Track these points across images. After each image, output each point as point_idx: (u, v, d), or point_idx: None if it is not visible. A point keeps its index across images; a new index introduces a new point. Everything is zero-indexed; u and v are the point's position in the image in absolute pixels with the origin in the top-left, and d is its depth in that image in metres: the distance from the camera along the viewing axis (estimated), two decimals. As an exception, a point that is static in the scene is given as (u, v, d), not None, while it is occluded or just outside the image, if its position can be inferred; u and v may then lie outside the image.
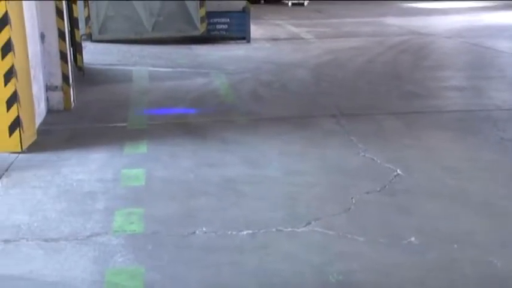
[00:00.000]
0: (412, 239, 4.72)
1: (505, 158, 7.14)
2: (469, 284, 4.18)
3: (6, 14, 6.48)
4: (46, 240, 4.72)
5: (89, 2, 14.82)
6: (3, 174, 6.31)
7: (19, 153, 6.88)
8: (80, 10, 12.78)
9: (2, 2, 6.47)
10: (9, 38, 6.61)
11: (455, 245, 4.66)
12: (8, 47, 6.60)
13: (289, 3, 26.65)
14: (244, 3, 16.06)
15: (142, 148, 7.35)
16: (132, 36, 15.08)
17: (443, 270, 4.33)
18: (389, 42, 15.79)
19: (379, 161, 6.79)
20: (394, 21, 21.17)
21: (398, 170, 6.41)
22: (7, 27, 6.53)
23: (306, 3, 26.85)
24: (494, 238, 4.86)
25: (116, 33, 15.06)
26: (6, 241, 4.72)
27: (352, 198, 5.68)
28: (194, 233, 4.89)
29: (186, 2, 15.13)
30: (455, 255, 4.52)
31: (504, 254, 4.54)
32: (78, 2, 12.18)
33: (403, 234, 4.80)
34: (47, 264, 4.35)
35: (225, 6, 15.64)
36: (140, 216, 5.22)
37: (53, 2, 8.88)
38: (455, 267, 4.36)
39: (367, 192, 5.80)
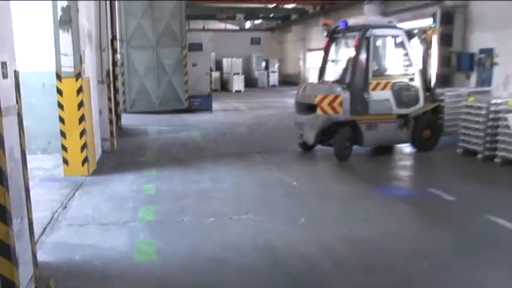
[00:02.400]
0: (302, 220, 5.54)
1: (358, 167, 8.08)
2: (330, 241, 4.91)
3: (82, 101, 7.30)
4: (101, 225, 5.44)
5: (125, 90, 15.71)
6: (79, 187, 6.92)
7: (87, 176, 7.50)
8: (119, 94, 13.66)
9: (80, 95, 7.25)
10: (83, 113, 7.39)
11: (327, 223, 5.46)
12: (82, 118, 7.36)
13: (233, 90, 28.17)
14: (208, 90, 17.18)
15: (154, 172, 7.99)
16: (148, 110, 15.75)
17: (318, 237, 5.08)
18: (288, 112, 15.24)
19: (285, 178, 7.52)
20: (292, 101, 20.51)
21: (294, 182, 7.22)
22: (82, 107, 7.34)
23: (242, 90, 28.27)
24: (347, 218, 5.63)
25: (139, 108, 15.75)
26: (80, 225, 5.46)
27: (271, 198, 6.48)
28: (183, 220, 5.57)
29: (178, 90, 16.18)
30: (325, 228, 5.29)
31: (350, 226, 5.32)
32: (120, 90, 13.06)
33: (298, 217, 5.59)
34: (103, 238, 5.06)
35: (198, 91, 16.69)
36: (153, 211, 5.89)
37: (106, 92, 9.60)
38: (325, 235, 5.12)
39: (279, 196, 6.59)
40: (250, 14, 35.22)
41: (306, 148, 9.26)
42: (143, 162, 8.80)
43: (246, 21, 41.28)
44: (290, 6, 33.67)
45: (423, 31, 9.40)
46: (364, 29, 8.65)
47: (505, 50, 16.74)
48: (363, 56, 8.64)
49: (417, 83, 9.12)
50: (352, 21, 9.13)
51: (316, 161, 9.10)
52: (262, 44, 38.78)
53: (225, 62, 31.44)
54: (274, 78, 33.55)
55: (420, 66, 9.21)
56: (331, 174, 8.12)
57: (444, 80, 18.57)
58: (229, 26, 41.95)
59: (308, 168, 8.67)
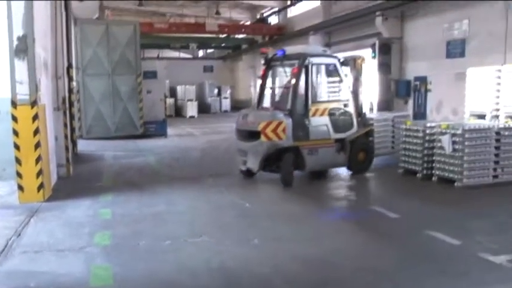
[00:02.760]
0: (255, 240, 5.52)
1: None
2: (282, 260, 4.89)
3: (37, 128, 7.09)
4: (57, 251, 5.22)
5: (81, 117, 15.30)
6: (34, 214, 6.62)
7: (42, 202, 7.19)
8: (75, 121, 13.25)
9: (36, 122, 7.05)
10: (39, 140, 7.14)
11: (279, 243, 5.45)
12: (37, 145, 7.12)
13: (187, 116, 28.22)
14: (163, 116, 17.11)
15: (110, 197, 7.77)
16: (104, 136, 15.42)
17: (271, 255, 5.09)
18: None
19: (237, 200, 7.49)
20: None
21: (247, 204, 7.20)
22: (38, 134, 7.12)
23: (196, 115, 28.42)
24: (298, 237, 5.64)
25: (95, 134, 15.42)
26: (35, 252, 5.20)
27: (223, 220, 6.42)
28: (139, 244, 5.44)
29: (133, 116, 15.98)
30: (277, 248, 5.29)
31: (301, 245, 5.32)
32: (75, 117, 12.75)
33: (251, 238, 5.57)
34: (59, 264, 4.86)
35: (153, 117, 16.59)
36: (109, 235, 5.72)
37: (62, 118, 9.39)
38: (277, 254, 5.11)
39: (232, 217, 6.55)
40: (203, 44, 35.45)
41: (248, 175, 8.99)
42: (99, 188, 8.57)
43: (199, 50, 41.46)
44: (241, 36, 34.17)
45: (354, 60, 9.54)
46: (302, 57, 8.62)
47: (437, 77, 17.54)
48: (302, 83, 8.60)
49: (351, 108, 9.19)
50: (289, 49, 9.14)
51: (265, 183, 8.99)
52: (215, 72, 39.01)
53: (179, 88, 31.39)
54: (226, 104, 33.82)
55: (353, 93, 9.30)
56: (280, 196, 8.05)
57: (385, 105, 19.25)
58: (183, 55, 42.03)
59: (259, 190, 8.68)
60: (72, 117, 11.40)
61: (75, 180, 9.23)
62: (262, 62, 9.38)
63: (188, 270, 4.71)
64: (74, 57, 14.18)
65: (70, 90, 11.44)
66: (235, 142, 9.21)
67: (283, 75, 9.57)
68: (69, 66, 11.42)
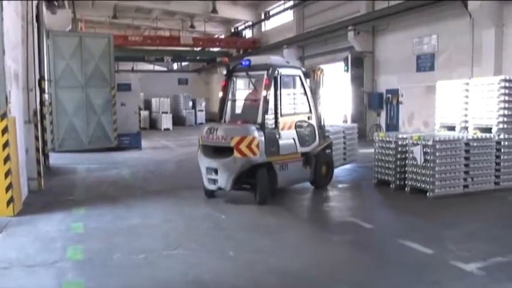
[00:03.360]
0: (231, 252, 5.48)
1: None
2: (258, 272, 4.84)
3: (7, 141, 6.93)
4: (27, 266, 5.05)
5: (53, 129, 15.03)
6: (3, 229, 6.45)
7: (12, 217, 7.02)
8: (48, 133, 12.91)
9: (5, 135, 6.89)
10: (8, 153, 6.98)
11: (255, 254, 5.39)
12: (7, 158, 6.97)
13: (162, 129, 28.13)
14: (137, 129, 17.04)
15: (82, 210, 7.64)
16: (77, 149, 15.20)
17: (247, 267, 5.04)
18: None
19: (213, 212, 7.46)
20: None
21: (223, 216, 7.16)
22: (7, 147, 6.96)
23: (171, 128, 28.35)
24: (274, 249, 5.60)
25: (68, 147, 15.15)
26: (4, 268, 5.02)
27: (199, 233, 6.34)
28: (112, 258, 5.32)
29: (107, 129, 15.80)
30: (253, 259, 5.24)
31: (277, 257, 5.31)
32: (47, 129, 12.51)
33: (227, 250, 5.53)
34: (28, 280, 4.71)
35: (128, 130, 16.43)
36: (82, 250, 5.58)
37: (33, 131, 9.21)
38: (252, 266, 5.06)
39: (208, 229, 6.49)
40: (178, 56, 35.39)
41: (211, 195, 8.39)
42: (72, 201, 8.39)
43: (173, 62, 41.35)
44: (215, 49, 34.23)
45: (313, 71, 9.28)
46: (271, 68, 8.11)
47: (408, 90, 17.88)
48: (272, 96, 8.11)
49: (314, 121, 8.91)
50: (254, 59, 8.56)
51: (240, 195, 8.74)
52: (190, 85, 38.98)
53: (154, 101, 31.23)
54: (201, 116, 33.80)
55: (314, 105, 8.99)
56: (256, 208, 7.81)
57: (359, 117, 19.52)
58: (158, 67, 41.83)
59: (234, 202, 8.52)
60: (44, 129, 11.14)
61: (47, 193, 8.99)
62: (224, 72, 8.74)
63: (163, 284, 4.62)
64: (46, 69, 13.91)
65: (42, 103, 11.21)
66: (199, 159, 8.29)
67: (247, 86, 9.13)
68: (41, 78, 11.21)
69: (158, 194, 9.09)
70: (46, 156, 11.70)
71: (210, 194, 8.38)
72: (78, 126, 15.65)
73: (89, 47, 15.70)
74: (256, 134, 7.76)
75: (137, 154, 15.68)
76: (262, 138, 7.80)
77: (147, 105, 31.63)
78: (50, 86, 14.97)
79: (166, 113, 29.54)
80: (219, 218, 7.13)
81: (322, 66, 10.53)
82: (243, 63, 8.39)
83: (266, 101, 7.98)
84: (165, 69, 42.81)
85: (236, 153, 7.67)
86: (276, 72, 8.12)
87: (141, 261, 5.25)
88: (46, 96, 13.09)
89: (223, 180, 7.86)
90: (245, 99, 8.93)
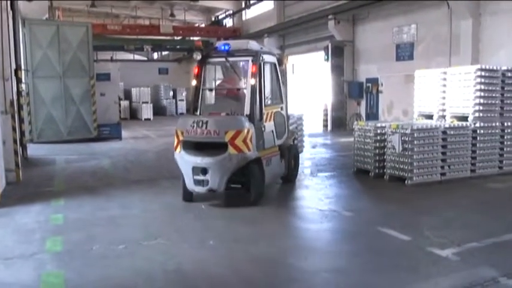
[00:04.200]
0: (211, 242, 5.48)
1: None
2: (238, 261, 4.87)
3: None
4: (5, 259, 5.00)
5: (31, 120, 14.77)
6: None
7: None
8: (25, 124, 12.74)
9: None
10: None
11: (235, 244, 5.41)
12: None
13: (143, 119, 27.82)
14: (117, 119, 16.82)
15: (62, 202, 7.58)
16: (56, 139, 14.97)
17: (227, 256, 5.08)
18: None
19: (193, 202, 7.34)
20: None
21: (202, 206, 7.09)
22: None
23: (151, 118, 28.15)
24: (254, 238, 5.60)
25: (46, 138, 14.91)
26: None
27: (179, 223, 6.34)
28: (92, 248, 5.29)
29: (86, 119, 15.59)
30: (233, 249, 5.27)
31: (257, 246, 5.31)
32: (25, 120, 12.31)
33: (207, 240, 5.53)
34: (6, 273, 4.66)
35: (107, 120, 16.26)
36: (61, 241, 5.55)
37: (10, 122, 9.05)
38: (233, 255, 5.11)
39: (188, 219, 6.49)
40: (158, 46, 34.97)
41: (189, 198, 7.42)
42: (51, 192, 8.30)
43: (153, 52, 40.90)
44: (196, 38, 33.92)
45: (281, 59, 8.51)
46: (256, 54, 7.34)
47: (388, 79, 18.03)
48: (258, 84, 7.31)
49: (285, 112, 8.34)
50: (233, 44, 7.58)
51: None
52: (170, 74, 38.64)
53: (134, 91, 30.95)
54: (182, 106, 33.62)
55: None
56: (236, 197, 7.60)
57: (340, 106, 19.64)
58: (138, 57, 41.34)
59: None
60: (21, 120, 11.02)
61: (25, 185, 8.89)
62: (198, 57, 7.60)
63: (144, 274, 4.62)
64: (23, 58, 13.69)
65: (19, 93, 11.06)
66: (179, 157, 7.23)
67: (225, 73, 8.36)
68: (18, 68, 11.04)
69: (138, 184, 9.05)
70: (24, 148, 11.64)
71: (190, 198, 7.40)
72: (57, 116, 15.42)
73: (66, 36, 15.43)
74: (249, 126, 7.00)
75: (117, 144, 15.54)
76: (253, 131, 7.05)
77: (127, 95, 31.35)
78: (27, 76, 14.69)
79: (146, 102, 29.35)
80: (198, 207, 7.10)
81: (302, 55, 10.33)
82: (222, 47, 7.41)
83: (254, 91, 7.17)
84: (145, 58, 42.35)
85: (231, 149, 6.82)
86: (261, 58, 7.38)
87: (121, 252, 5.23)
88: (23, 86, 12.91)
89: (215, 180, 6.88)
90: (222, 88, 8.17)
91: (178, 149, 7.20)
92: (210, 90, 8.20)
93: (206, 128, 6.92)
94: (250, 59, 7.30)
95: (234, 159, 6.87)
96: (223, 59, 7.72)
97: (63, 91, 15.43)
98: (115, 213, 6.86)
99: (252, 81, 7.16)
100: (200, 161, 6.97)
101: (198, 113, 7.70)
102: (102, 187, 8.74)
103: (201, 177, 6.95)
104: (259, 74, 7.30)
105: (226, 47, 7.37)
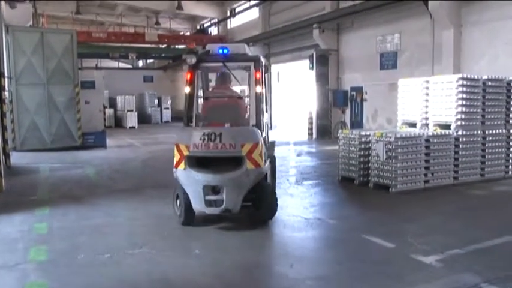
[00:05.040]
0: (197, 250, 5.49)
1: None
2: (225, 269, 4.86)
3: None
4: None
5: (14, 128, 14.60)
6: None
7: None
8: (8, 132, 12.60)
9: None
10: None
11: (220, 252, 5.43)
12: None
13: (128, 127, 27.80)
14: (102, 127, 16.68)
15: (46, 210, 7.49)
16: (40, 148, 14.83)
17: (213, 265, 5.06)
18: None
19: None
20: None
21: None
22: None
23: (136, 126, 28.07)
24: (239, 246, 5.59)
25: (30, 146, 14.78)
26: None
27: (165, 231, 6.28)
28: (77, 258, 5.25)
29: (71, 127, 15.47)
30: (219, 257, 5.27)
31: (242, 254, 5.33)
32: (8, 128, 12.08)
33: (193, 248, 5.55)
34: None
35: (92, 128, 16.15)
36: (45, 250, 5.50)
37: None
38: (219, 263, 5.08)
39: (173, 228, 6.43)
40: (143, 54, 34.94)
41: (192, 221, 6.58)
42: (34, 201, 8.22)
43: (138, 60, 40.81)
44: (181, 46, 33.95)
45: None
46: (258, 59, 6.76)
47: (372, 88, 18.23)
48: (263, 91, 6.77)
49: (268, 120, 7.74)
50: (231, 48, 6.92)
51: None
52: (155, 82, 38.53)
53: (119, 99, 30.79)
54: (167, 114, 33.59)
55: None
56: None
57: (324, 114, 19.77)
58: (123, 65, 41.20)
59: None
60: (4, 128, 10.88)
61: (8, 194, 8.78)
62: (193, 60, 6.58)
63: (129, 283, 4.60)
64: (6, 66, 13.55)
65: (2, 101, 10.94)
66: (185, 176, 6.33)
67: (219, 79, 7.54)
68: (1, 75, 10.93)
69: (124, 192, 9.00)
70: (7, 156, 11.47)
71: (191, 221, 6.57)
72: (41, 124, 15.28)
73: (51, 43, 15.34)
74: (261, 138, 6.40)
75: (102, 153, 15.45)
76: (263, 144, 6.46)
77: (112, 103, 31.16)
78: (10, 83, 14.56)
79: (131, 111, 29.22)
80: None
81: (287, 64, 10.12)
82: (219, 51, 6.74)
83: (259, 99, 6.57)
84: (130, 66, 42.22)
85: (249, 164, 6.16)
86: (263, 63, 6.82)
87: (106, 261, 5.20)
88: (6, 93, 12.76)
89: (231, 200, 6.18)
90: (222, 96, 7.32)
91: (182, 165, 6.30)
92: (206, 98, 7.37)
93: (220, 141, 6.18)
94: (252, 64, 6.74)
95: (251, 174, 6.20)
96: (220, 64, 7.00)
97: (47, 99, 15.31)
98: (100, 222, 6.82)
99: (258, 88, 6.54)
100: (213, 178, 6.18)
101: (194, 124, 6.79)
102: (87, 196, 8.68)
103: (214, 196, 6.21)
104: (263, 80, 6.79)
105: (225, 51, 6.74)
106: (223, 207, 6.21)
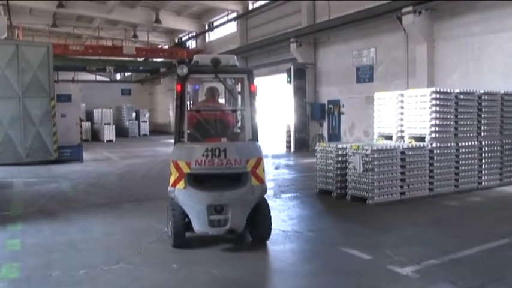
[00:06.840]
0: (174, 265, 5.42)
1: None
2: (202, 284, 4.85)
3: None
4: None
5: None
6: None
7: None
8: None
9: None
10: None
11: (198, 266, 5.31)
12: None
13: (105, 140, 27.58)
14: (79, 140, 16.55)
15: (19, 226, 7.33)
16: (14, 161, 14.43)
17: (189, 279, 4.96)
18: (159, 160, 16.30)
19: (155, 225, 7.22)
20: (163, 149, 20.81)
21: (165, 229, 6.70)
22: None
23: (114, 139, 27.91)
24: (217, 260, 5.58)
25: (4, 160, 14.32)
26: None
27: (142, 246, 6.19)
28: (51, 275, 5.12)
29: (46, 141, 15.05)
30: (196, 271, 5.18)
31: (220, 268, 5.25)
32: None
33: (170, 263, 5.47)
34: None
35: (68, 142, 15.99)
36: (18, 267, 5.36)
37: None
38: (196, 278, 5.02)
39: (150, 242, 6.36)
40: (120, 67, 34.74)
41: (184, 242, 6.13)
42: (7, 217, 8.01)
43: (116, 73, 40.56)
44: (159, 60, 33.87)
45: None
46: (250, 71, 6.49)
47: (349, 101, 18.43)
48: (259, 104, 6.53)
49: None
50: (222, 59, 6.46)
51: None
52: (133, 95, 38.33)
53: (96, 112, 30.48)
54: (145, 127, 33.38)
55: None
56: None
57: (302, 127, 19.88)
58: (100, 78, 40.87)
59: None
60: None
61: (-20, 210, 8.55)
62: (184, 71, 6.14)
63: (104, 300, 4.51)
64: (-21, 79, 13.30)
65: (-25, 114, 10.71)
66: (185, 196, 5.95)
67: (208, 92, 7.03)
68: (-26, 88, 10.72)
69: (99, 207, 8.87)
70: (-21, 171, 11.17)
71: (183, 242, 6.13)
72: (15, 138, 14.92)
73: (26, 56, 15.08)
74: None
75: (78, 167, 15.26)
76: None
77: (89, 117, 30.81)
78: (-17, 97, 14.28)
79: (108, 124, 28.93)
80: (161, 230, 6.96)
81: (265, 77, 10.04)
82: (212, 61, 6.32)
83: (253, 111, 6.35)
84: (107, 79, 41.90)
85: (254, 181, 5.97)
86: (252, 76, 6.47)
87: (82, 277, 5.10)
88: (-21, 107, 12.51)
89: (236, 218, 5.87)
90: (216, 110, 6.95)
91: (182, 184, 5.93)
92: (198, 111, 6.77)
93: (225, 156, 5.91)
94: (245, 76, 6.40)
95: (256, 191, 5.99)
96: (211, 75, 6.55)
97: (22, 112, 14.99)
98: (75, 238, 6.69)
99: (254, 101, 6.32)
100: (219, 197, 5.86)
101: (185, 139, 6.24)
102: (62, 211, 8.52)
103: (217, 216, 5.84)
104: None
105: (215, 61, 6.31)
106: (228, 227, 5.86)
